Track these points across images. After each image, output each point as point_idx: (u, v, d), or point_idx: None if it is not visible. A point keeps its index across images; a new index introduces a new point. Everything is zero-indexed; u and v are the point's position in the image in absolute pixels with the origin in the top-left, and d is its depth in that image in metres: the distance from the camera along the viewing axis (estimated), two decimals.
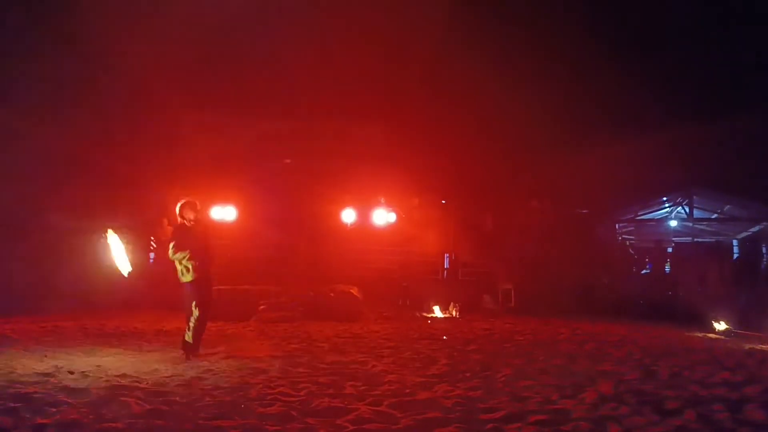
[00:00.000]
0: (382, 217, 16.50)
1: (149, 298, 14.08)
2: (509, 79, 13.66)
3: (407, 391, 5.65)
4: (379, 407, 4.98)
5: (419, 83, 14.01)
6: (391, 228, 16.80)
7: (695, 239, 18.54)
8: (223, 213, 16.41)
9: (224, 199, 16.31)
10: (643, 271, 17.22)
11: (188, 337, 7.47)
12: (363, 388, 5.73)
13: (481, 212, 17.11)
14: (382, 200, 16.21)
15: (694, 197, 18.00)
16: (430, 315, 14.01)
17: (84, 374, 6.10)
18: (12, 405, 4.69)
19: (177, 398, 5.17)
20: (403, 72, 13.84)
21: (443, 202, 17.23)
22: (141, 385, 5.66)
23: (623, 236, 18.85)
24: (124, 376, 6.09)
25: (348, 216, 16.47)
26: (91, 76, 12.78)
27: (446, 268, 17.50)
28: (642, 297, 15.07)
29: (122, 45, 12.25)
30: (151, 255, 17.62)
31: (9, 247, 13.87)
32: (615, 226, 18.65)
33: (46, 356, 7.15)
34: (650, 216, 19.34)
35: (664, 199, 18.54)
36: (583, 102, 14.47)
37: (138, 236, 17.32)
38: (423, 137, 15.52)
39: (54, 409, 4.62)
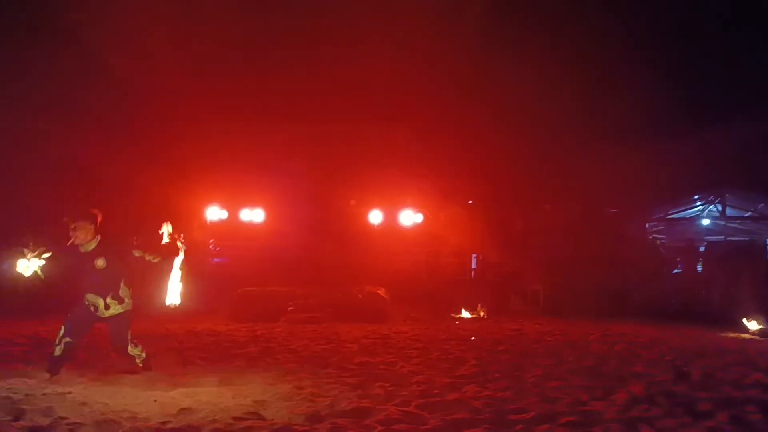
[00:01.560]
0: (409, 217, 16.51)
1: (180, 299, 14.24)
2: (538, 78, 13.57)
3: (436, 391, 5.65)
4: (407, 408, 4.99)
5: (447, 83, 13.99)
6: (418, 229, 16.81)
7: (728, 238, 18.19)
8: (252, 215, 16.61)
9: (252, 202, 16.50)
10: (675, 271, 16.95)
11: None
12: (391, 388, 5.74)
13: (510, 212, 17.01)
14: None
15: (727, 195, 17.66)
16: (458, 316, 13.97)
17: (117, 377, 6.21)
18: (48, 405, 4.80)
19: (208, 398, 5.23)
20: (430, 72, 13.83)
21: (470, 202, 17.16)
22: (171, 386, 5.74)
23: (654, 235, 18.58)
24: (154, 378, 6.19)
25: (375, 217, 16.52)
26: (123, 83, 13.00)
27: (474, 269, 17.44)
28: (673, 297, 14.84)
29: (152, 49, 12.44)
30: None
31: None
32: (645, 226, 18.39)
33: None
34: (681, 215, 19.03)
35: (696, 197, 18.23)
36: (613, 101, 14.30)
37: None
38: (450, 137, 15.49)
39: (89, 409, 4.71)
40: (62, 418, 4.42)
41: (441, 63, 13.56)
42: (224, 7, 13.14)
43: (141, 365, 6.45)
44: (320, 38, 13.78)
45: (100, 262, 6.12)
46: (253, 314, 12.14)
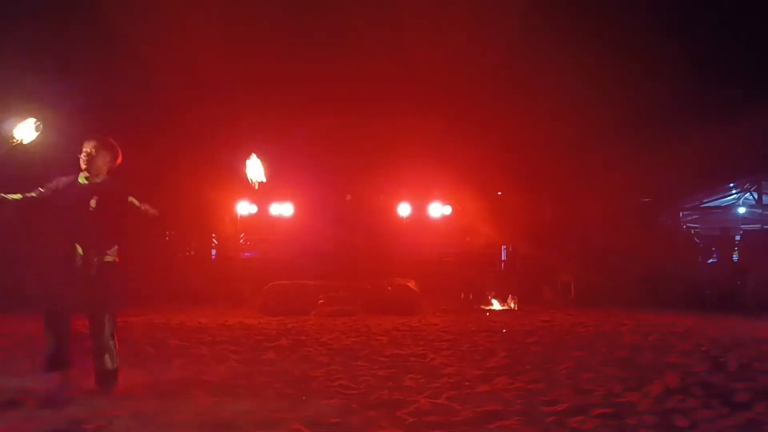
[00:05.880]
0: (438, 210, 16.49)
1: (212, 293, 14.49)
2: (569, 67, 13.37)
3: (466, 383, 5.64)
4: (438, 400, 4.99)
5: (476, 74, 13.86)
6: (447, 221, 16.78)
7: (765, 226, 17.81)
8: (281, 209, 16.75)
9: (281, 196, 16.63)
10: (710, 261, 16.65)
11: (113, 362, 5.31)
12: (422, 380, 5.75)
13: (540, 203, 16.86)
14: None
15: (763, 183, 17.29)
16: (488, 307, 13.92)
17: (152, 369, 6.31)
18: (85, 398, 4.90)
19: (241, 391, 5.30)
20: (458, 63, 13.72)
21: (499, 193, 17.05)
22: (207, 378, 5.83)
23: (688, 225, 18.28)
24: (189, 371, 6.28)
25: (404, 210, 16.53)
26: (152, 76, 13.10)
27: (504, 260, 17.34)
28: (709, 287, 14.58)
29: (184, 42, 12.49)
30: (213, 251, 18.11)
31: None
32: (679, 215, 18.10)
33: None
34: (716, 203, 18.69)
35: (731, 185, 17.88)
36: (645, 89, 14.04)
37: (200, 234, 17.88)
38: (479, 128, 15.37)
39: (125, 402, 4.80)
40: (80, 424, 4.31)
41: (470, 53, 13.43)
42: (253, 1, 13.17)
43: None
44: (348, 30, 13.76)
45: (93, 202, 5.14)
46: (283, 307, 12.24)
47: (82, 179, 5.27)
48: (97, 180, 5.27)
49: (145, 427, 4.15)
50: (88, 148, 5.26)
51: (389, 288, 13.02)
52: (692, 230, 17.91)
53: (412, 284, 13.27)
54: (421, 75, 14.36)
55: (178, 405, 4.74)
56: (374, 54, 14.04)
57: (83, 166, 5.26)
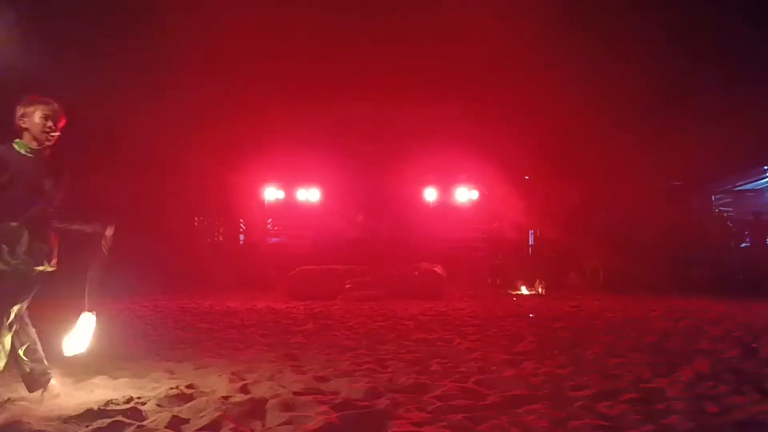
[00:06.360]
0: (465, 194, 16.44)
1: (240, 278, 14.67)
2: (597, 48, 13.17)
3: (493, 368, 5.62)
4: (465, 384, 4.98)
5: (503, 57, 13.72)
6: (473, 205, 16.73)
7: None
8: (308, 195, 16.86)
9: (309, 181, 16.73)
10: (742, 245, 16.35)
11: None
12: (449, 365, 5.75)
13: (567, 187, 16.71)
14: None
15: None
16: (515, 292, 13.87)
17: (182, 352, 6.42)
18: (117, 379, 5.01)
19: (269, 374, 5.36)
20: (486, 47, 13.59)
21: (527, 177, 16.93)
22: (235, 361, 5.91)
23: (720, 208, 17.97)
24: (218, 354, 6.38)
25: (430, 195, 16.51)
26: (180, 71, 13.21)
27: (531, 245, 17.25)
28: (741, 272, 14.34)
29: (209, 30, 12.56)
30: (241, 237, 18.30)
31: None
32: (711, 198, 17.80)
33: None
34: (750, 186, 18.33)
35: (765, 168, 17.51)
36: (676, 71, 13.77)
37: (229, 220, 18.08)
38: (506, 112, 15.25)
39: (156, 384, 4.89)
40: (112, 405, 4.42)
41: (498, 38, 13.29)
42: None
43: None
44: (374, 16, 13.71)
45: (48, 183, 4.11)
46: (310, 292, 12.35)
47: (23, 149, 4.11)
48: (40, 153, 4.18)
49: (175, 408, 4.22)
50: (50, 111, 4.12)
51: (416, 273, 13.04)
52: (724, 214, 17.60)
53: (439, 269, 13.27)
54: (449, 60, 14.26)
55: (208, 386, 4.82)
56: (401, 40, 13.98)
57: (47, 141, 4.14)
